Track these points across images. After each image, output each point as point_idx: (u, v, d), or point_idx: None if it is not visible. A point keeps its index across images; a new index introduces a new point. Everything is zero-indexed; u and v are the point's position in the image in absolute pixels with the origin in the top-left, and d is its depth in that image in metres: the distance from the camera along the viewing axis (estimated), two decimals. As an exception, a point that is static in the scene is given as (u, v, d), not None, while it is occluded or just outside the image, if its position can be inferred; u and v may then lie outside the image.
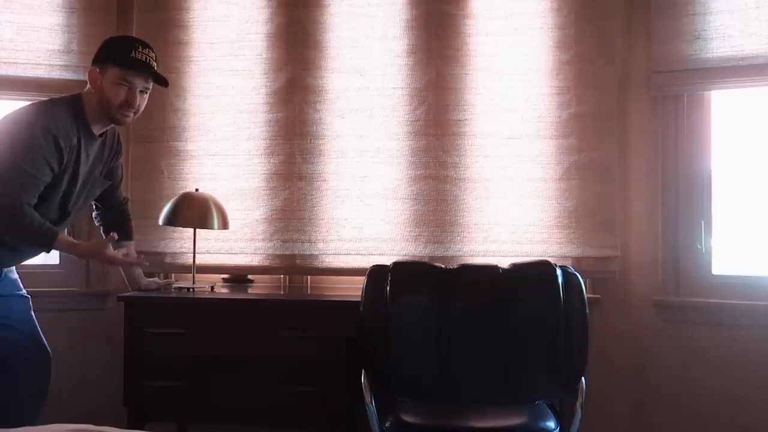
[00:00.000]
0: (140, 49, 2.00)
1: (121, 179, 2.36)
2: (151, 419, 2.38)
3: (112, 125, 2.12)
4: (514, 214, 2.56)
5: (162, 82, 2.07)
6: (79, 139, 1.98)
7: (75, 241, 2.12)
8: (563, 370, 2.12)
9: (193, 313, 2.36)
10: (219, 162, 2.70)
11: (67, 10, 2.68)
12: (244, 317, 2.34)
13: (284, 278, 2.74)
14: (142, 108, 2.06)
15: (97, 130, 2.06)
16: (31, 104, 2.02)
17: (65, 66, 2.67)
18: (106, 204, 2.34)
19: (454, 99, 2.60)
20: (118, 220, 2.35)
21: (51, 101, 2.02)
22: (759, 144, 2.51)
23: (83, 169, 2.05)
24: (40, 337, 2.19)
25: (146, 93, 2.05)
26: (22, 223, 1.91)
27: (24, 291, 2.19)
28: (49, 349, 2.19)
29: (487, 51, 2.60)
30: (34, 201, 1.94)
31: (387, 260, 2.31)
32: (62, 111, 1.96)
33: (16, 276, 2.18)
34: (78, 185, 2.06)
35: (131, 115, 2.03)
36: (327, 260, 2.64)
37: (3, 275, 2.10)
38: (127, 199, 2.43)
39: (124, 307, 2.36)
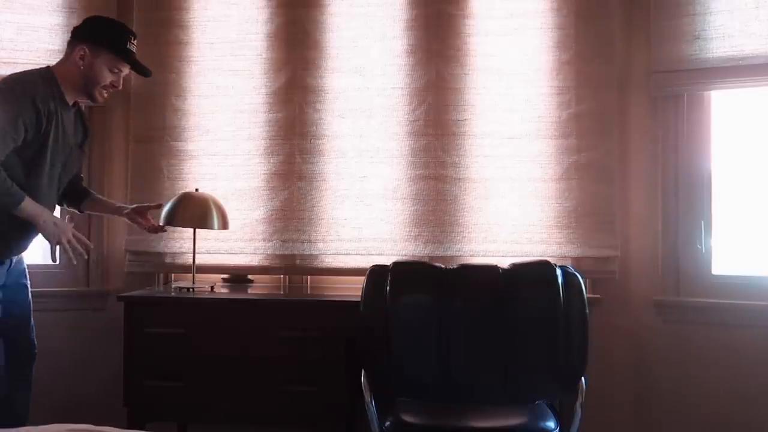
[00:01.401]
0: (132, 40, 2.12)
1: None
2: (151, 419, 2.38)
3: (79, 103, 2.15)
4: (514, 214, 2.56)
5: (148, 74, 2.18)
6: (56, 107, 2.00)
7: (43, 211, 2.01)
8: (563, 370, 2.12)
9: (193, 313, 2.36)
10: (219, 162, 2.70)
11: (67, 10, 2.68)
12: (244, 317, 2.34)
13: (284, 278, 2.74)
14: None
15: (69, 100, 2.09)
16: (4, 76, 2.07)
17: (65, 66, 2.67)
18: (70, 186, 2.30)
19: (454, 99, 2.60)
20: (81, 193, 2.33)
21: (22, 71, 2.06)
22: (759, 144, 2.51)
23: (64, 139, 2.07)
24: (31, 332, 2.21)
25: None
26: None
27: (27, 280, 2.22)
28: (36, 346, 2.22)
29: (486, 51, 2.60)
30: (2, 159, 1.93)
31: (387, 260, 2.31)
32: (37, 77, 2.02)
33: (24, 266, 2.20)
34: (62, 157, 2.07)
35: (107, 94, 2.12)
36: (327, 260, 2.64)
37: (12, 263, 2.10)
38: (82, 178, 2.41)
39: (124, 307, 2.36)
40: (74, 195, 2.32)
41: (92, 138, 2.30)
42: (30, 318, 2.21)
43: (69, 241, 2.01)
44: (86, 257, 2.10)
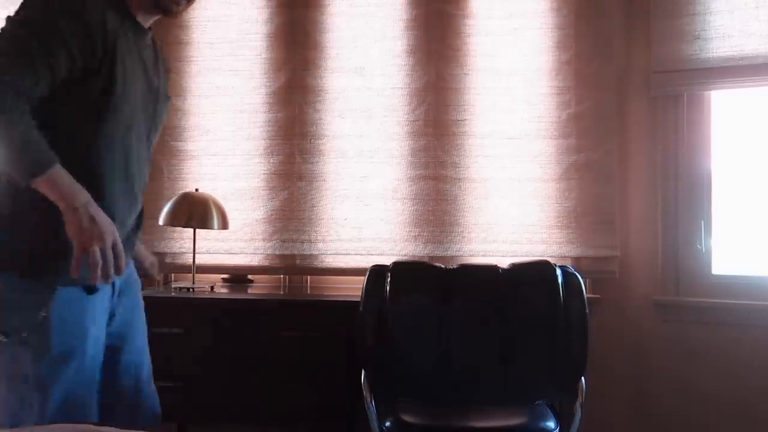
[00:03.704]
0: None
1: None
2: (151, 419, 2.37)
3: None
4: (514, 214, 2.56)
5: None
6: (120, 27, 1.35)
7: (81, 192, 1.24)
8: (563, 370, 2.12)
9: (192, 313, 2.36)
10: (219, 162, 2.70)
11: (66, 10, 2.68)
12: (244, 317, 2.34)
13: (284, 278, 2.74)
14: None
15: (142, 19, 1.43)
16: None
17: (65, 66, 2.67)
18: None
19: (454, 99, 2.60)
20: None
21: None
22: (759, 144, 2.51)
23: (146, 79, 1.43)
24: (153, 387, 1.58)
25: None
26: None
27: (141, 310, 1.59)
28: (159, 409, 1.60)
29: (486, 51, 2.60)
30: (31, 90, 1.23)
31: (387, 260, 2.31)
32: None
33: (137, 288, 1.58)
34: (148, 109, 1.43)
35: (184, 2, 1.44)
36: (327, 260, 2.64)
37: (116, 290, 1.45)
38: None
39: (124, 307, 2.36)
40: None
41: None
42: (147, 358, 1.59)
43: (103, 250, 1.23)
44: (111, 281, 1.27)
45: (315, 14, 2.66)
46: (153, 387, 1.59)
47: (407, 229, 2.61)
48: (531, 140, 2.57)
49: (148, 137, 1.48)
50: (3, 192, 1.31)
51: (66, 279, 1.28)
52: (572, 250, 2.54)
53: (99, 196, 1.30)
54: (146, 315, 1.63)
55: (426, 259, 2.54)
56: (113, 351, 1.46)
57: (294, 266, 2.67)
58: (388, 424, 2.01)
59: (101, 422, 1.39)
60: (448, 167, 2.59)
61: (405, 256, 2.57)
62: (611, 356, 2.53)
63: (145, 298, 2.41)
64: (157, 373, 2.28)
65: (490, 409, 2.11)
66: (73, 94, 1.30)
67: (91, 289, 1.35)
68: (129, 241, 1.47)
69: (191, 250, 2.52)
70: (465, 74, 2.60)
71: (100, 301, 1.39)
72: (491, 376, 2.15)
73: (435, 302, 2.18)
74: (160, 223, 2.48)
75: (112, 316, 1.45)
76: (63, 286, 1.32)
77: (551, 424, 2.01)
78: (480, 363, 2.16)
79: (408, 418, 2.02)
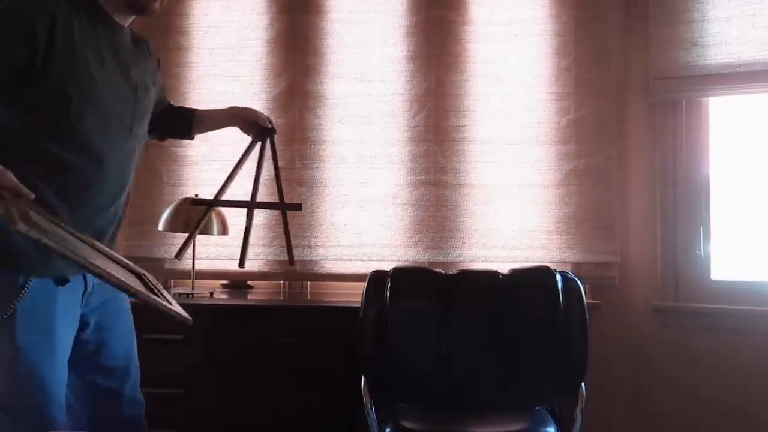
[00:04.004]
0: None
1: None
2: (150, 427, 2.36)
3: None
4: (514, 220, 2.57)
5: None
6: (80, 22, 1.37)
7: None
8: (563, 375, 2.12)
9: (192, 319, 2.35)
10: (219, 167, 2.69)
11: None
12: (244, 323, 2.34)
13: (284, 284, 2.74)
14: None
15: (118, 17, 1.47)
16: None
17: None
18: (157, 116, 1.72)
19: (454, 105, 2.61)
20: (178, 115, 1.80)
21: None
22: (757, 150, 2.52)
23: (114, 68, 1.45)
24: (138, 388, 1.59)
25: None
26: None
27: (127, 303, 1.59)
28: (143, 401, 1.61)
29: (486, 57, 2.61)
30: None
31: (387, 266, 2.31)
32: None
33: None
34: (116, 93, 1.45)
35: (159, 2, 1.47)
36: (327, 266, 2.64)
37: (89, 284, 1.46)
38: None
39: (124, 313, 2.35)
40: (172, 120, 1.76)
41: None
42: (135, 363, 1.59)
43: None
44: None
45: (315, 20, 2.67)
46: (139, 395, 1.59)
47: (407, 235, 2.61)
48: (531, 146, 2.58)
49: (131, 129, 1.51)
50: None
51: (37, 269, 1.32)
52: (572, 256, 2.54)
53: (74, 185, 1.38)
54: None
55: (426, 265, 2.54)
56: (90, 355, 1.46)
57: (294, 272, 2.66)
58: (388, 430, 2.01)
59: (72, 422, 1.42)
60: (448, 173, 2.60)
61: (405, 261, 2.57)
62: (611, 361, 2.53)
63: (144, 304, 2.41)
64: (157, 380, 2.28)
65: (490, 415, 2.11)
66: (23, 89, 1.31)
67: (61, 281, 1.36)
68: (113, 237, 1.53)
69: (191, 255, 2.52)
70: (465, 80, 2.61)
71: (72, 298, 1.41)
72: (491, 382, 2.15)
73: (435, 308, 2.18)
74: (160, 228, 2.48)
75: (86, 325, 1.45)
76: (35, 276, 1.33)
77: (551, 429, 2.01)
78: (480, 369, 2.16)
79: (408, 424, 2.01)
